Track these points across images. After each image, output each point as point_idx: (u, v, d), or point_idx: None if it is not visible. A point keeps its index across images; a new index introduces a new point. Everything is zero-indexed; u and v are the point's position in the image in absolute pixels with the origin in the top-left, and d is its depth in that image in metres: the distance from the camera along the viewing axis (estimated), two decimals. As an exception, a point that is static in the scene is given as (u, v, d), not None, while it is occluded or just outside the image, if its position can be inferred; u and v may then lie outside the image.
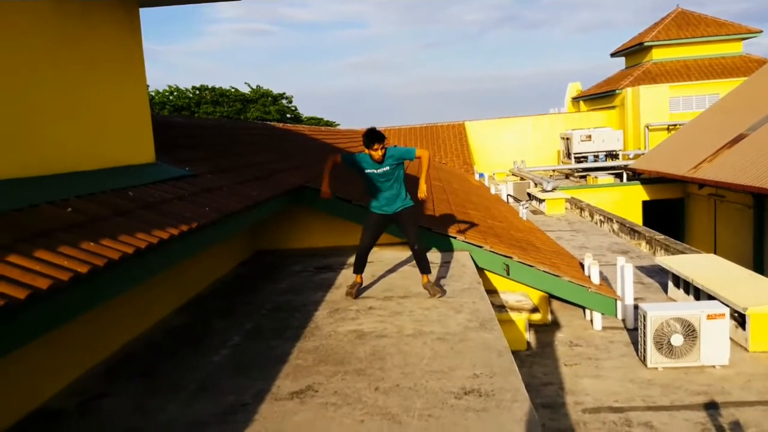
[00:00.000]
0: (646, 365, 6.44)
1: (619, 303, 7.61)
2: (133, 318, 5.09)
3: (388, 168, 5.73)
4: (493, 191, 20.87)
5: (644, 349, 6.48)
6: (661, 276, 10.10)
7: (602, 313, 7.65)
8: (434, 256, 7.60)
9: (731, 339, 6.78)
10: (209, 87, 38.87)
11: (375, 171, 5.73)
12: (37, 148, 4.23)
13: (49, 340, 3.76)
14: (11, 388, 3.58)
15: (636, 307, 7.30)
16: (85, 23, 4.88)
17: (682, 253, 11.24)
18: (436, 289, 5.95)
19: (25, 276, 2.83)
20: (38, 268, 2.95)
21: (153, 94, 37.48)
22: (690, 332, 6.35)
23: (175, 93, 38.34)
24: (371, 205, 5.96)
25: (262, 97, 39.26)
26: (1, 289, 2.66)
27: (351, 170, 5.91)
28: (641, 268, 10.93)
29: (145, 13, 5.85)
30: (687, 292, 8.52)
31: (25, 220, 3.47)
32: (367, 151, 5.67)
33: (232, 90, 39.28)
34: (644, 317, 6.47)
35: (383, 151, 5.64)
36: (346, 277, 6.86)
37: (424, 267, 5.97)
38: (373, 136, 5.58)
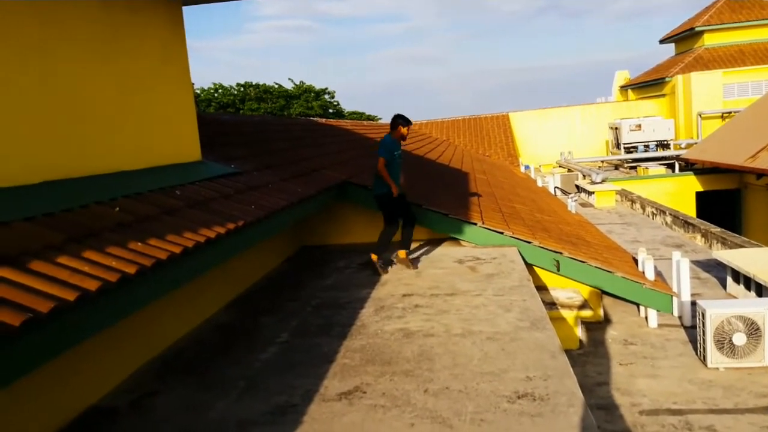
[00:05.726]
0: (706, 365, 6.16)
1: (675, 300, 7.31)
2: (182, 315, 5.12)
3: (401, 151, 6.93)
4: (539, 184, 20.47)
5: (704, 349, 6.20)
6: (718, 270, 9.69)
7: (658, 310, 7.36)
8: (481, 252, 7.46)
9: (798, 338, 6.43)
10: (253, 84, 39.31)
11: (399, 153, 6.83)
12: (85, 148, 4.27)
13: (100, 339, 3.80)
14: (65, 387, 3.62)
15: (693, 304, 6.99)
16: (130, 22, 4.91)
17: (741, 246, 10.75)
18: (409, 262, 6.94)
19: (73, 277, 2.84)
20: (87, 269, 2.95)
21: (198, 91, 38.14)
22: (753, 331, 6.03)
23: (220, 90, 38.92)
24: (397, 185, 6.71)
25: (304, 93, 39.49)
26: (51, 291, 2.66)
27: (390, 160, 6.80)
28: (697, 263, 10.51)
29: (186, 9, 5.89)
30: (748, 287, 8.13)
31: (75, 220, 3.49)
32: (403, 130, 6.72)
33: (276, 86, 39.64)
34: (703, 315, 6.18)
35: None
36: (391, 273, 6.79)
37: (408, 244, 6.96)
38: (407, 120, 6.80)
